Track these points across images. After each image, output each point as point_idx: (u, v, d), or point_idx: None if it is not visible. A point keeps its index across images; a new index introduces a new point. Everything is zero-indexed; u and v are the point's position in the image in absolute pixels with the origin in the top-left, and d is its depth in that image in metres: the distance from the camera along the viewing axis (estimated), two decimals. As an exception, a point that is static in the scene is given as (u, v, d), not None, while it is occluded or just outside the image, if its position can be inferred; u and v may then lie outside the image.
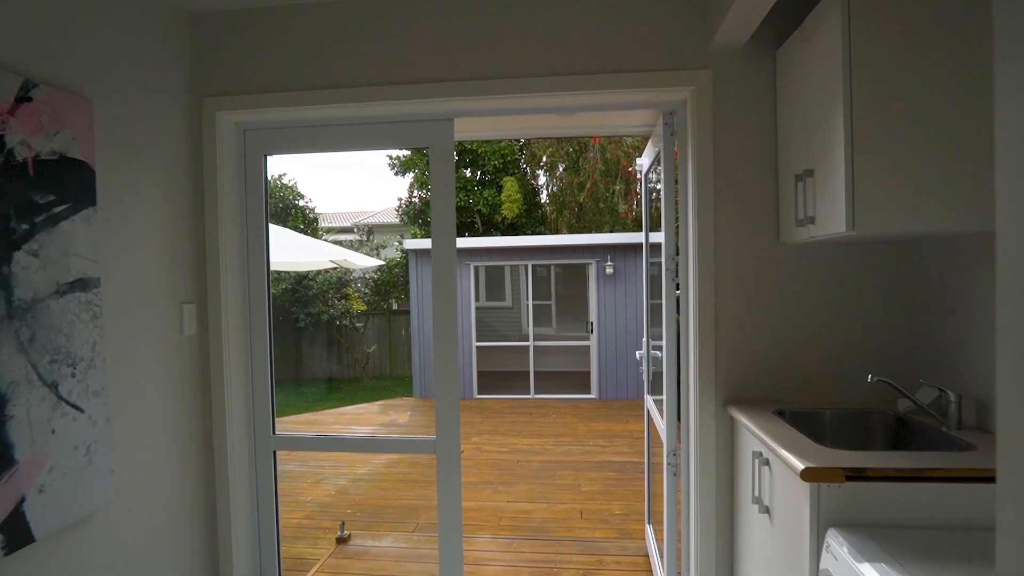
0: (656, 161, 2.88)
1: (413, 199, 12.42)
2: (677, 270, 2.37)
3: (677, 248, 2.35)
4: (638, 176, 2.98)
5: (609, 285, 8.98)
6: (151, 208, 2.16)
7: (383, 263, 7.80)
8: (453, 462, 2.51)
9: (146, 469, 2.11)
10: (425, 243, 9.26)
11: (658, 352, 3.08)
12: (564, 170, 11.61)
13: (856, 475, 1.46)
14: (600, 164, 10.60)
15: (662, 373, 2.60)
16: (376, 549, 3.88)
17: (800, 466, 1.47)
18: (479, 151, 11.82)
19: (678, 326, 2.34)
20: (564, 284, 11.12)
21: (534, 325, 9.51)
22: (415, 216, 12.41)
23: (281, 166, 14.83)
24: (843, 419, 2.07)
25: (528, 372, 9.24)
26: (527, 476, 5.54)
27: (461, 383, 9.33)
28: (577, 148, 11.39)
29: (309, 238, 6.78)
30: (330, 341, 13.72)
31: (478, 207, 11.83)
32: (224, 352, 2.41)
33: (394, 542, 4.00)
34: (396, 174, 12.31)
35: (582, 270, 9.36)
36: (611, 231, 10.77)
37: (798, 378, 2.20)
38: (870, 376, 1.88)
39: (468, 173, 12.21)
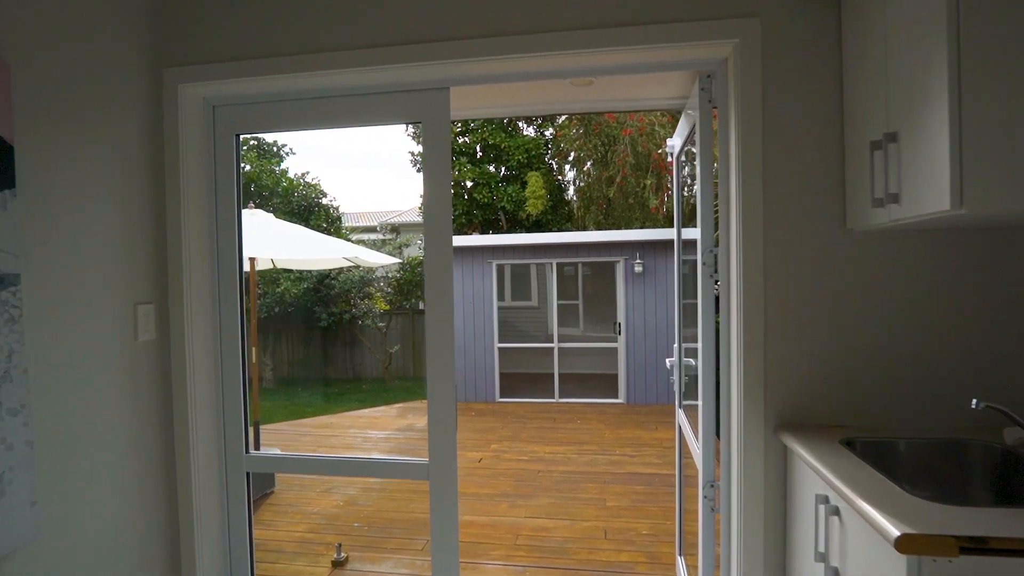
0: (690, 139, 2.48)
1: (436, 196, 12.18)
2: (716, 265, 1.97)
3: (716, 240, 1.95)
4: (669, 159, 2.56)
5: (638, 284, 8.53)
6: (98, 194, 1.86)
7: (399, 260, 7.50)
8: (449, 491, 2.15)
9: (86, 499, 1.80)
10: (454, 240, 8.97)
11: (692, 360, 2.68)
12: (592, 164, 11.17)
13: (975, 547, 1.05)
14: (630, 157, 10.14)
15: (697, 383, 2.21)
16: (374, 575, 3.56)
17: (895, 532, 1.07)
18: (502, 146, 11.46)
19: (717, 331, 1.94)
20: (591, 283, 10.69)
21: (560, 326, 9.12)
22: (438, 213, 12.17)
23: (304, 164, 14.71)
24: (931, 452, 1.64)
25: (553, 375, 8.85)
26: (548, 488, 5.16)
27: (483, 386, 9.04)
28: (606, 142, 10.94)
29: (321, 235, 6.52)
30: (353, 341, 13.56)
31: (502, 204, 11.47)
32: (188, 360, 2.10)
33: (394, 567, 3.67)
34: (419, 171, 12.01)
35: (610, 268, 8.93)
36: (641, 228, 10.30)
37: (869, 399, 1.77)
38: (975, 401, 1.45)
39: (492, 169, 11.87)
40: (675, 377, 2.72)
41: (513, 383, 9.16)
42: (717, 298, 1.96)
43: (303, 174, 13.06)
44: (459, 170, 11.44)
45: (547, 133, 11.98)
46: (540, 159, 11.70)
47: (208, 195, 2.19)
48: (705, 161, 2.05)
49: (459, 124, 11.78)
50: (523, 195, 11.03)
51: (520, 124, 11.96)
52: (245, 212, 6.22)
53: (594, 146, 10.90)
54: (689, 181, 2.72)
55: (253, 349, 6.32)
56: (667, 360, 2.79)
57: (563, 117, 11.35)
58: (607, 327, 9.22)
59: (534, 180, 10.89)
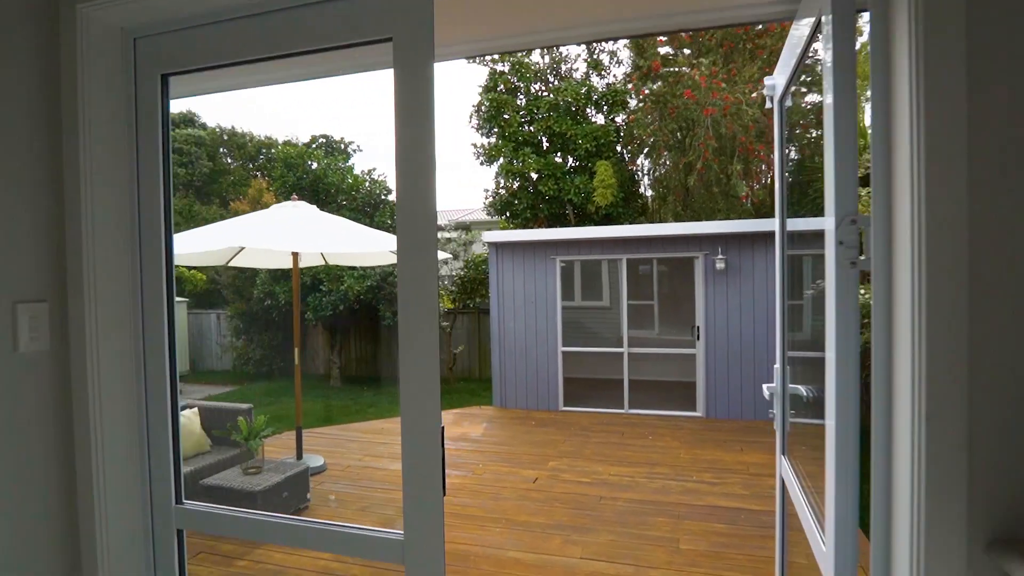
0: (803, 70, 1.68)
1: (500, 190, 11.54)
2: (862, 246, 1.18)
3: (861, 208, 1.16)
4: (769, 104, 1.69)
5: (720, 283, 7.54)
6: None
7: (449, 256, 6.93)
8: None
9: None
10: (505, 235, 8.32)
11: (801, 389, 1.87)
12: (668, 151, 10.19)
13: None
14: (712, 141, 9.08)
15: (819, 430, 1.44)
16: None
17: None
18: (569, 134, 10.66)
19: (864, 354, 1.16)
20: (668, 282, 9.73)
21: (631, 328, 8.26)
22: (502, 207, 11.52)
23: (370, 161, 14.58)
24: None
25: (622, 381, 8.02)
26: (610, 521, 4.40)
27: (546, 393, 8.34)
28: (684, 126, 9.94)
29: (365, 227, 6.06)
30: (418, 340, 13.24)
31: (569, 196, 10.70)
32: (92, 378, 1.56)
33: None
34: (482, 164, 11.49)
35: (688, 265, 7.99)
36: (725, 219, 9.23)
37: None
38: None
39: (558, 159, 11.12)
40: (776, 412, 1.92)
41: (578, 390, 8.40)
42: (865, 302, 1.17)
43: (369, 171, 12.86)
44: (523, 161, 10.79)
45: (618, 119, 11.08)
46: (610, 147, 10.83)
47: (125, 157, 1.64)
48: (842, 87, 1.25)
49: (523, 111, 11.12)
50: (591, 185, 10.19)
51: (589, 111, 11.14)
52: (287, 204, 5.87)
53: (671, 131, 9.92)
54: (802, 132, 1.92)
55: (296, 351, 5.96)
56: (764, 388, 1.99)
57: (635, 101, 10.45)
58: (684, 330, 8.28)
59: (603, 169, 10.03)
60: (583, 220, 11.09)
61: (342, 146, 15.33)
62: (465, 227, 12.49)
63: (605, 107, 11.08)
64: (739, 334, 7.47)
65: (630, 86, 10.46)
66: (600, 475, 5.45)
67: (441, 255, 6.24)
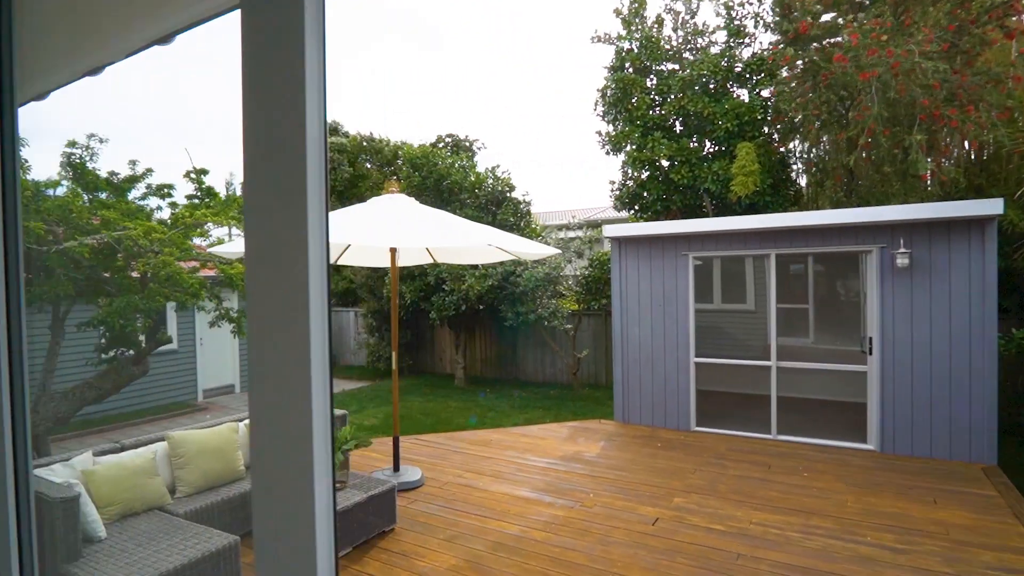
0: None
1: (628, 181, 10.53)
2: None
3: None
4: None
5: (902, 283, 6.00)
6: None
7: (558, 251, 6.17)
8: None
9: None
10: (629, 228, 7.39)
11: None
12: (823, 126, 8.52)
13: None
14: (880, 109, 7.35)
15: None
16: None
17: None
18: (706, 113, 9.36)
19: None
20: (827, 282, 8.12)
21: (781, 336, 6.94)
22: (630, 200, 10.51)
23: (494, 158, 14.28)
24: None
25: (769, 399, 6.74)
26: (749, 593, 3.40)
27: (674, 409, 7.28)
28: (843, 96, 8.25)
29: (465, 220, 5.53)
30: (541, 343, 12.71)
31: (706, 184, 9.42)
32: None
33: None
34: (608, 153, 10.57)
35: (854, 262, 6.51)
36: (903, 204, 7.48)
37: None
38: None
39: (693, 143, 9.84)
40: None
41: (714, 407, 7.23)
42: None
43: (493, 167, 12.54)
44: (652, 147, 9.68)
45: (765, 93, 9.54)
46: (755, 126, 9.35)
47: None
48: None
49: (654, 93, 10.01)
50: (732, 171, 8.84)
51: (730, 86, 9.72)
52: (385, 196, 5.53)
53: (826, 102, 8.27)
54: None
55: (394, 354, 5.59)
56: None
57: (784, 69, 8.87)
58: (849, 340, 6.76)
59: (745, 152, 8.62)
60: (723, 212, 9.75)
61: (467, 143, 15.28)
62: (595, 224, 11.67)
63: (751, 79, 9.60)
64: (928, 347, 5.88)
65: (774, 54, 8.92)
66: (738, 522, 4.40)
67: (542, 249, 5.53)
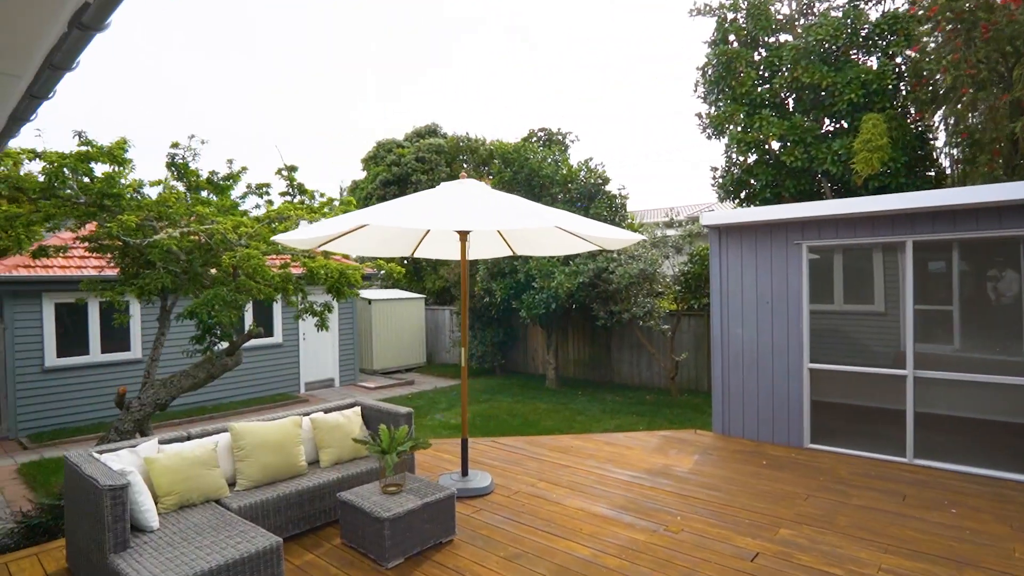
0: None
1: (733, 167, 9.53)
2: None
3: None
4: None
5: (1090, 275, 4.73)
6: None
7: (643, 238, 5.48)
8: None
9: None
10: (731, 215, 6.55)
11: None
12: (978, 90, 7.10)
13: None
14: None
15: None
16: None
17: None
18: (824, 84, 8.15)
19: None
20: (975, 276, 6.72)
21: (919, 341, 5.81)
22: (735, 187, 9.50)
23: (587, 150, 13.68)
24: None
25: (904, 415, 5.65)
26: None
27: (784, 422, 6.34)
28: (1008, 51, 6.81)
29: (532, 203, 5.03)
30: (636, 344, 11.95)
31: (825, 166, 8.24)
32: None
33: None
34: (709, 137, 9.63)
35: (1015, 251, 5.28)
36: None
37: None
38: None
39: (809, 121, 8.66)
40: None
41: (833, 422, 6.22)
42: None
43: (586, 160, 11.99)
44: (760, 127, 8.63)
45: (898, 59, 8.16)
46: (884, 97, 8.02)
47: None
48: None
49: (762, 67, 8.95)
50: (855, 148, 7.61)
51: (855, 53, 8.43)
52: (454, 182, 5.19)
53: (984, 59, 6.86)
54: None
55: (463, 351, 5.25)
56: None
57: (928, 25, 7.50)
58: (1008, 348, 5.50)
59: (871, 124, 7.35)
60: (844, 197, 8.52)
61: (559, 137, 14.80)
62: (693, 220, 10.77)
63: (880, 42, 8.26)
64: None
65: (916, 4, 7.57)
66: (863, 567, 3.57)
67: (625, 235, 4.93)
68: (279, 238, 4.64)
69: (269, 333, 12.19)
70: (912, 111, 8.25)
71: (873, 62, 8.37)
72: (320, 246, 5.47)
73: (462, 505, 4.68)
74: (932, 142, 8.34)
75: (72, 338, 9.63)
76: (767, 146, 8.88)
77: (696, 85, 9.76)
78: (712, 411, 6.81)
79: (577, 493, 4.92)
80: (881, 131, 7.19)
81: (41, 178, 5.66)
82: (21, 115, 2.77)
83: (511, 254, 6.25)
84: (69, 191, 5.72)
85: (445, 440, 6.89)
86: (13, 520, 4.35)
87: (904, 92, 8.19)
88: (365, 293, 15.27)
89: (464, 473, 5.13)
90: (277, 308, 12.30)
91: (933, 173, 8.44)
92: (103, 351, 9.97)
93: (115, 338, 10.06)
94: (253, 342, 11.79)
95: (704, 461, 5.75)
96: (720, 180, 9.65)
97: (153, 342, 6.98)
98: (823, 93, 8.35)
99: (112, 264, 6.81)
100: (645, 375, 12.02)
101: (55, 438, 8.79)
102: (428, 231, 5.89)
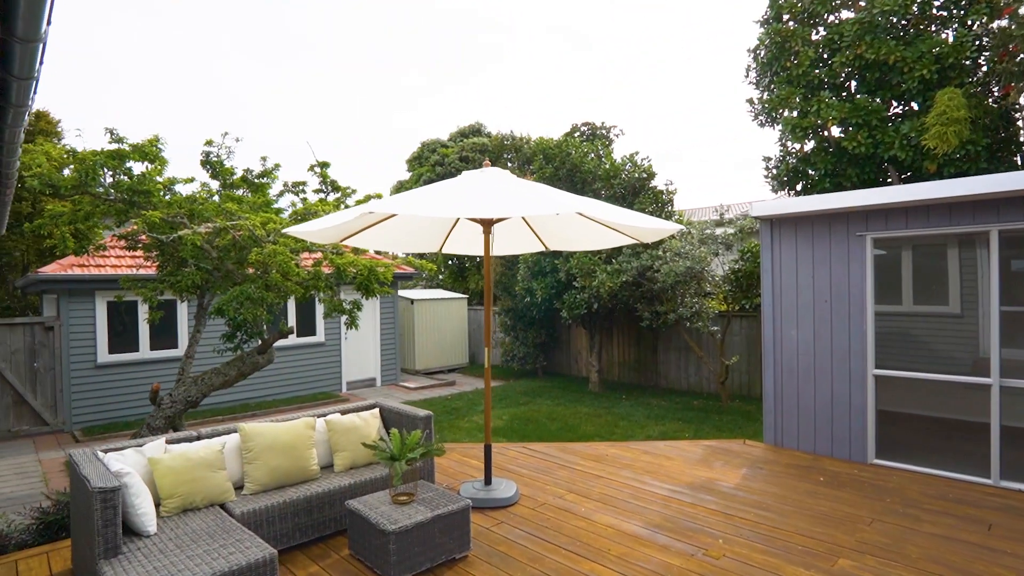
0: None
1: (789, 157, 8.82)
2: None
3: None
4: None
5: None
6: None
7: (682, 227, 4.96)
8: None
9: None
10: (784, 205, 5.98)
11: None
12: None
13: None
14: None
15: None
16: None
17: None
18: (892, 61, 7.35)
19: None
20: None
21: (1006, 346, 5.09)
22: (791, 178, 8.81)
23: (633, 144, 13.15)
24: None
25: (988, 429, 4.96)
26: None
27: (844, 434, 5.69)
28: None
29: (559, 191, 4.64)
30: (684, 347, 11.34)
31: (892, 151, 7.47)
32: None
33: None
34: (761, 124, 8.95)
35: None
36: None
37: None
38: None
39: (874, 101, 7.88)
40: None
41: (902, 435, 5.55)
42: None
43: (632, 154, 11.49)
44: (818, 110, 7.91)
45: (975, 27, 7.28)
46: (962, 72, 7.17)
47: None
48: None
49: (821, 47, 8.21)
50: (927, 121, 6.79)
51: (926, 25, 7.60)
52: (475, 172, 4.87)
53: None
54: None
55: (487, 350, 4.93)
56: None
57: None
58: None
59: (947, 98, 6.54)
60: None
61: (603, 131, 14.31)
62: (747, 216, 10.11)
63: (958, 12, 7.42)
64: None
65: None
66: (938, 607, 3.03)
67: (664, 225, 4.48)
68: (291, 230, 4.44)
69: (311, 332, 12.24)
70: (995, 89, 7.37)
71: (949, 35, 7.54)
72: (343, 239, 5.26)
73: (482, 516, 4.36)
74: (1019, 123, 7.43)
75: (123, 335, 9.89)
76: (826, 132, 8.15)
77: (747, 69, 9.11)
78: (763, 420, 6.24)
79: (608, 507, 4.51)
80: (959, 103, 6.40)
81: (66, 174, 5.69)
82: None
83: (544, 249, 5.89)
84: (100, 188, 5.74)
85: (476, 444, 6.59)
86: (30, 516, 4.32)
87: (986, 67, 7.32)
88: (407, 293, 15.22)
89: (487, 482, 4.80)
90: (319, 307, 12.35)
91: (1020, 159, 7.53)
92: (152, 348, 10.20)
93: (163, 336, 10.28)
94: (296, 340, 11.86)
95: (753, 476, 5.21)
96: (774, 171, 8.96)
97: (189, 339, 6.99)
98: (890, 71, 7.57)
99: (151, 262, 6.87)
100: (693, 379, 11.40)
101: (106, 431, 9.01)
102: (456, 224, 5.60)
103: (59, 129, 14.07)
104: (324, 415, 4.71)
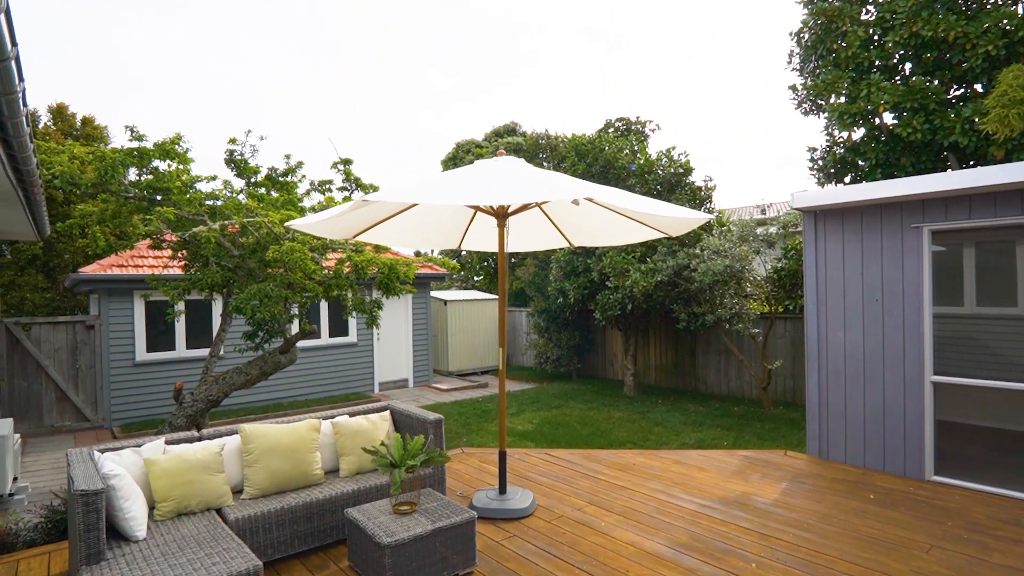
0: None
1: (835, 146, 8.22)
2: None
3: None
4: None
5: None
6: None
7: (711, 216, 4.52)
8: None
9: None
10: (830, 195, 5.49)
11: None
12: None
13: None
14: None
15: None
16: None
17: None
18: (953, 39, 6.71)
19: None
20: None
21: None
22: (838, 169, 8.20)
23: (670, 139, 12.67)
24: None
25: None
26: None
27: (899, 447, 5.14)
28: None
29: (568, 176, 4.32)
30: (725, 351, 10.79)
31: (952, 138, 6.83)
32: None
33: None
34: (805, 112, 8.38)
35: None
36: None
37: None
38: None
39: (930, 83, 7.25)
40: None
41: (964, 449, 4.98)
42: None
43: (667, 149, 11.04)
44: (869, 94, 7.32)
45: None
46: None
47: None
48: None
49: (871, 27, 7.59)
50: (986, 103, 6.14)
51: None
52: (488, 160, 4.60)
53: None
54: None
55: (501, 351, 4.65)
56: None
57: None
58: None
59: (1009, 78, 5.87)
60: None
61: (638, 126, 13.84)
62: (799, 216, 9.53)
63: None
64: None
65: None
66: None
67: (688, 214, 4.12)
68: (293, 223, 4.26)
69: (344, 332, 12.23)
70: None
71: (1019, 7, 6.84)
72: (357, 234, 5.08)
73: (493, 528, 4.08)
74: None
75: (160, 335, 10.05)
76: (878, 118, 7.53)
77: (790, 55, 8.55)
78: (807, 429, 5.74)
79: (631, 522, 4.16)
80: (1022, 83, 5.75)
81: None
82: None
83: (568, 245, 5.58)
84: (119, 186, 5.75)
85: (514, 450, 6.32)
86: (39, 513, 4.28)
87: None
88: (440, 294, 15.10)
89: (502, 490, 4.52)
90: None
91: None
92: (188, 347, 10.34)
93: (199, 335, 10.41)
94: (329, 341, 11.87)
95: (794, 491, 4.76)
96: (820, 162, 8.36)
97: (214, 339, 6.98)
98: (950, 49, 6.92)
99: (177, 262, 6.88)
100: (734, 384, 10.84)
101: (143, 428, 9.16)
102: (473, 217, 5.35)
103: (106, 135, 14.54)
104: (332, 417, 4.52)
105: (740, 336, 10.06)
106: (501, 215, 4.50)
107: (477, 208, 4.52)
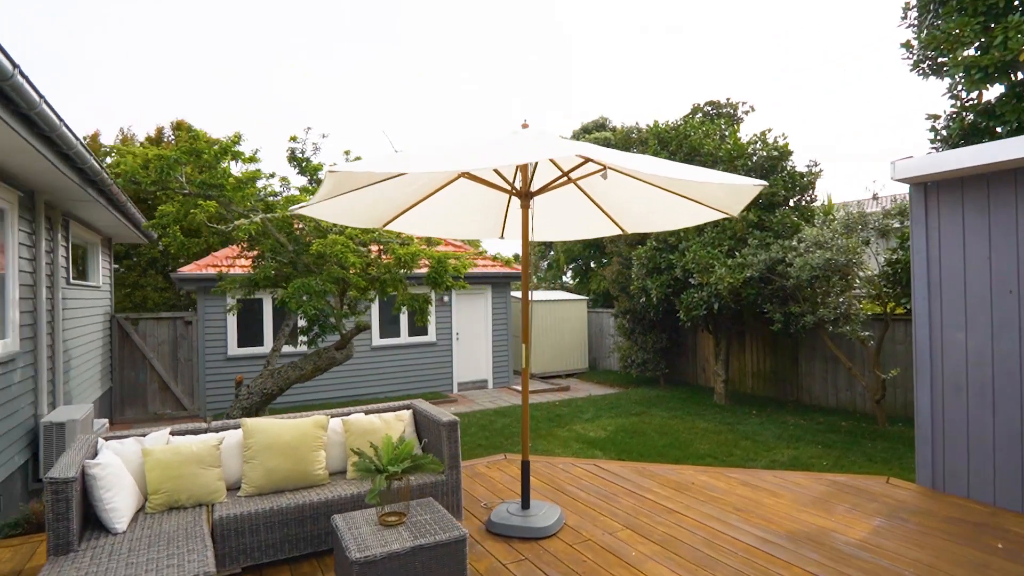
0: None
1: (964, 110, 6.79)
2: None
3: None
4: None
5: None
6: None
7: (762, 183, 3.60)
8: None
9: None
10: (945, 160, 4.40)
11: None
12: None
13: None
14: None
15: None
16: None
17: None
18: None
19: None
20: None
21: None
22: (966, 137, 6.77)
23: (764, 121, 11.45)
24: None
25: None
26: None
27: (1016, 475, 3.94)
28: None
29: (592, 145, 3.69)
30: (832, 356, 9.45)
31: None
32: None
33: None
34: (923, 74, 7.00)
35: None
36: None
37: None
38: None
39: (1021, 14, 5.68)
40: None
41: None
42: None
43: (762, 132, 9.95)
44: (1007, 41, 5.91)
45: None
46: None
47: None
48: None
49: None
50: None
51: None
52: (508, 132, 4.12)
53: None
54: None
55: (525, 351, 4.15)
56: None
57: None
58: None
59: None
60: None
61: (730, 108, 12.60)
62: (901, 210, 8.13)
63: None
64: None
65: None
66: None
67: (731, 179, 3.38)
68: (296, 209, 4.04)
69: (423, 332, 12.23)
70: None
71: None
72: (387, 223, 4.81)
73: (504, 548, 3.59)
74: None
75: (249, 330, 10.55)
76: (1019, 73, 6.10)
77: (905, 8, 7.22)
78: (916, 452, 4.67)
79: (668, 554, 3.48)
80: None
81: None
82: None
83: (620, 232, 4.95)
84: (177, 183, 5.93)
85: (560, 458, 5.81)
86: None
87: None
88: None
89: (524, 505, 4.01)
90: (430, 307, 12.33)
91: None
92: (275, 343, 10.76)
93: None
94: (407, 339, 11.92)
95: (890, 530, 3.81)
96: (943, 132, 6.97)
97: (275, 334, 7.09)
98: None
99: (245, 259, 7.08)
100: (843, 395, 9.49)
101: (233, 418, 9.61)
102: (509, 202, 4.90)
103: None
104: (348, 414, 4.26)
105: (849, 341, 8.75)
106: (524, 195, 4.01)
107: (494, 187, 4.06)
